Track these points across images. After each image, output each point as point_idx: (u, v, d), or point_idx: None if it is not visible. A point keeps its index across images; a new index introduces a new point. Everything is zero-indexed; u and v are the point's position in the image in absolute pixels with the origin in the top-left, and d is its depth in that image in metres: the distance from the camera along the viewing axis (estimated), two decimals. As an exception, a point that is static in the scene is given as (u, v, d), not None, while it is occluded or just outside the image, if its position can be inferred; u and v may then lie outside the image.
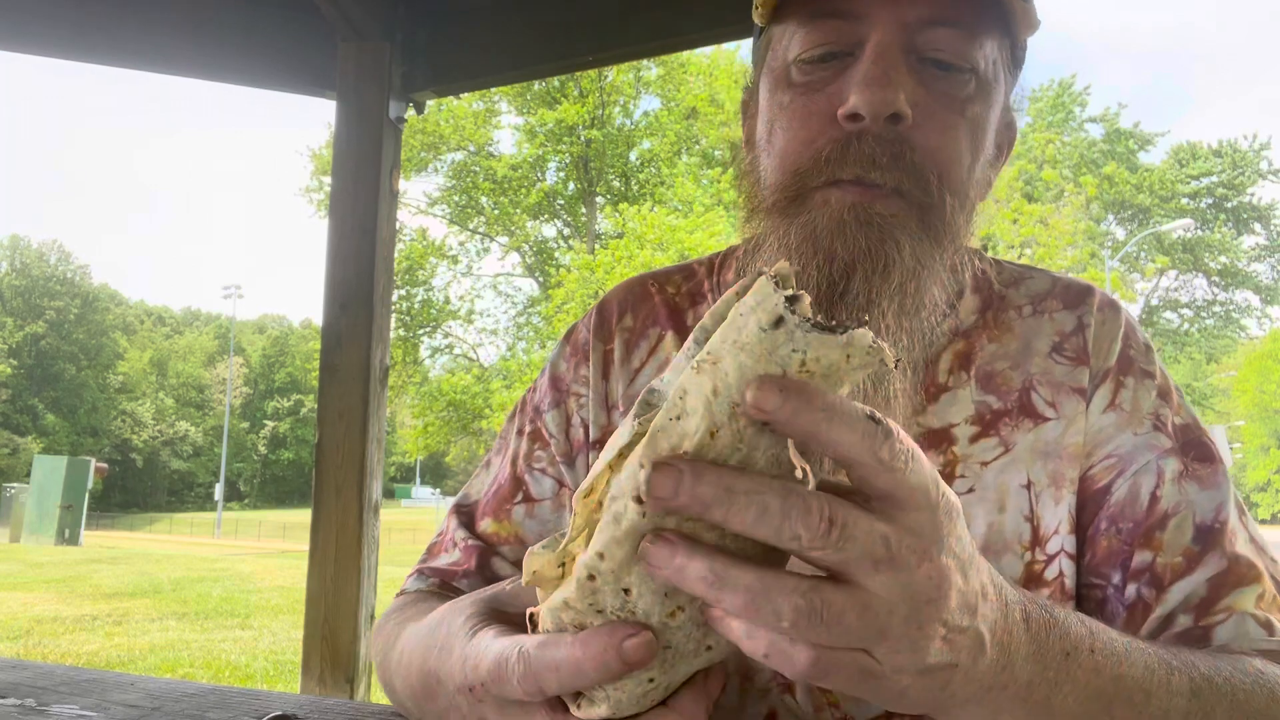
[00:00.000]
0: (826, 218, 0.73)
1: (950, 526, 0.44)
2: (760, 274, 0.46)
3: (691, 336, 0.47)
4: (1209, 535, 0.77)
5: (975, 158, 0.77)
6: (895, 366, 0.43)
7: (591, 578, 0.43)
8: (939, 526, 0.43)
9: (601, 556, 0.42)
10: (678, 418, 0.41)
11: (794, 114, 0.77)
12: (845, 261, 0.73)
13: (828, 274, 0.73)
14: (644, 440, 0.41)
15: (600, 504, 0.44)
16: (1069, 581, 0.80)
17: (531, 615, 0.51)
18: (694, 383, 0.41)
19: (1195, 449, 0.81)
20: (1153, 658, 0.59)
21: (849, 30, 0.75)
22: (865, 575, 0.42)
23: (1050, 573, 0.80)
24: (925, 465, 0.43)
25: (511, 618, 0.58)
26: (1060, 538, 0.80)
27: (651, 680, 0.46)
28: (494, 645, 0.51)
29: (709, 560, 0.41)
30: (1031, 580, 0.79)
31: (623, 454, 0.43)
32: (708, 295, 0.94)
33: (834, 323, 0.41)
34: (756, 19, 0.81)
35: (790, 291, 0.40)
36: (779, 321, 0.40)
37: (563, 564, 0.48)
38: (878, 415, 0.41)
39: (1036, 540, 0.80)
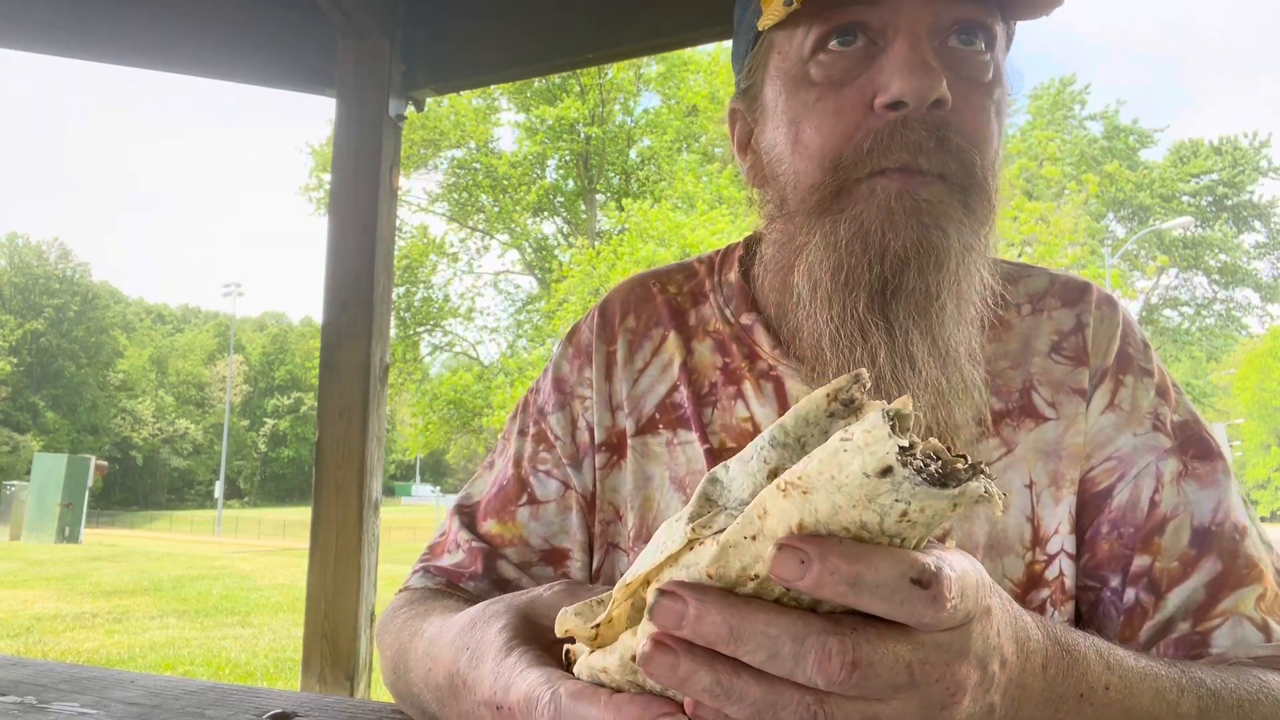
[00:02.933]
0: (874, 208, 0.72)
1: (979, 629, 0.42)
2: (858, 375, 0.43)
3: (768, 435, 0.44)
4: (1206, 538, 0.77)
5: (998, 136, 0.77)
6: (1004, 511, 0.39)
7: (635, 659, 0.42)
8: (968, 637, 0.42)
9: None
10: (753, 538, 0.38)
11: (824, 110, 0.75)
12: (898, 256, 0.72)
13: (880, 272, 0.72)
14: (715, 549, 0.39)
15: (648, 583, 0.42)
16: (1069, 581, 0.80)
17: (568, 655, 0.50)
18: (778, 507, 0.38)
19: (1195, 446, 0.81)
20: (1163, 680, 0.59)
21: (873, 17, 0.73)
22: (884, 698, 0.40)
23: (1050, 572, 0.80)
24: (971, 588, 0.41)
25: (546, 633, 0.57)
26: (1060, 538, 0.80)
27: None
28: (528, 674, 0.51)
29: (713, 673, 0.39)
30: (1032, 580, 0.79)
31: (674, 558, 0.41)
32: (709, 295, 0.94)
33: (947, 472, 0.37)
34: (762, 25, 0.79)
35: (905, 442, 0.36)
36: (887, 471, 0.36)
37: (597, 626, 0.47)
38: (927, 574, 0.38)
39: (1037, 540, 0.79)
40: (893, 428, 0.37)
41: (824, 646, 0.38)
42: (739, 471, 0.44)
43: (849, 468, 0.36)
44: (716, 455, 0.85)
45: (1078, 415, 0.82)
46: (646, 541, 0.86)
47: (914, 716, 0.41)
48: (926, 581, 0.38)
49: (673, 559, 0.41)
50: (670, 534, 0.43)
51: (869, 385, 0.44)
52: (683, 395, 0.89)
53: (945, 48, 0.74)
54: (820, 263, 0.75)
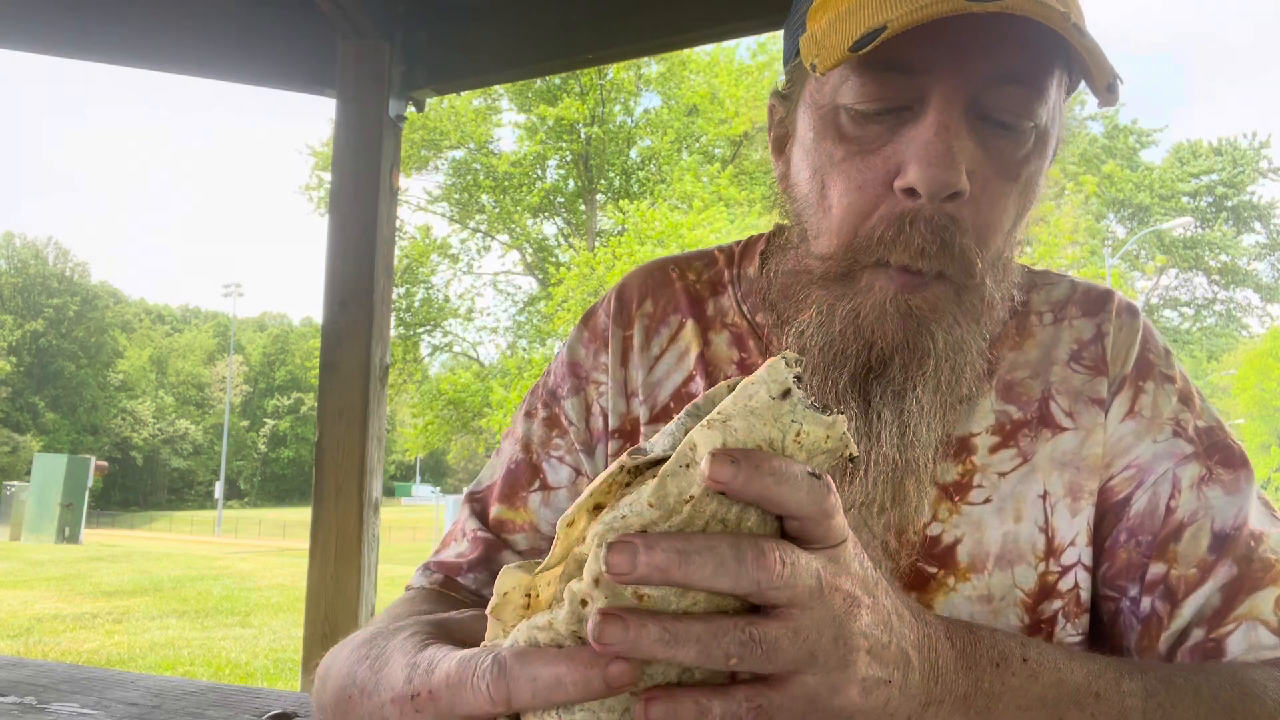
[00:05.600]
0: (870, 304, 0.73)
1: (855, 553, 0.50)
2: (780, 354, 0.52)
3: (685, 410, 0.52)
4: (1225, 543, 0.76)
5: (1021, 216, 0.76)
6: (852, 461, 0.48)
7: (584, 604, 0.45)
8: (845, 554, 0.48)
9: (596, 583, 0.45)
10: (687, 466, 0.45)
11: (847, 177, 0.73)
12: (884, 351, 0.74)
13: (866, 359, 0.75)
14: (654, 482, 0.45)
15: (584, 538, 0.46)
16: (1084, 594, 0.80)
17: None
18: (704, 436, 0.45)
19: (1219, 452, 0.80)
20: (1099, 663, 0.60)
21: (909, 85, 0.70)
22: (802, 606, 0.46)
23: (1065, 584, 0.79)
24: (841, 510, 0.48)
25: (460, 644, 0.56)
26: (1077, 549, 0.79)
27: (626, 713, 0.47)
28: (456, 653, 0.51)
29: (660, 623, 0.44)
30: (1045, 591, 0.78)
31: (614, 504, 0.46)
32: (728, 286, 0.93)
33: (825, 405, 0.47)
34: (816, 66, 0.71)
35: (797, 372, 0.46)
36: (787, 393, 0.45)
37: (528, 594, 0.50)
38: (817, 471, 0.46)
39: (1051, 551, 0.79)
40: (786, 364, 0.46)
41: (758, 547, 0.44)
42: (660, 439, 0.51)
43: (758, 395, 0.45)
44: None
45: (1096, 426, 0.81)
46: None
47: (827, 626, 0.46)
48: (819, 475, 0.46)
49: (613, 505, 0.46)
50: (602, 475, 0.48)
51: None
52: (698, 386, 0.88)
53: (982, 122, 0.71)
54: (813, 334, 0.77)
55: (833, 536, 0.47)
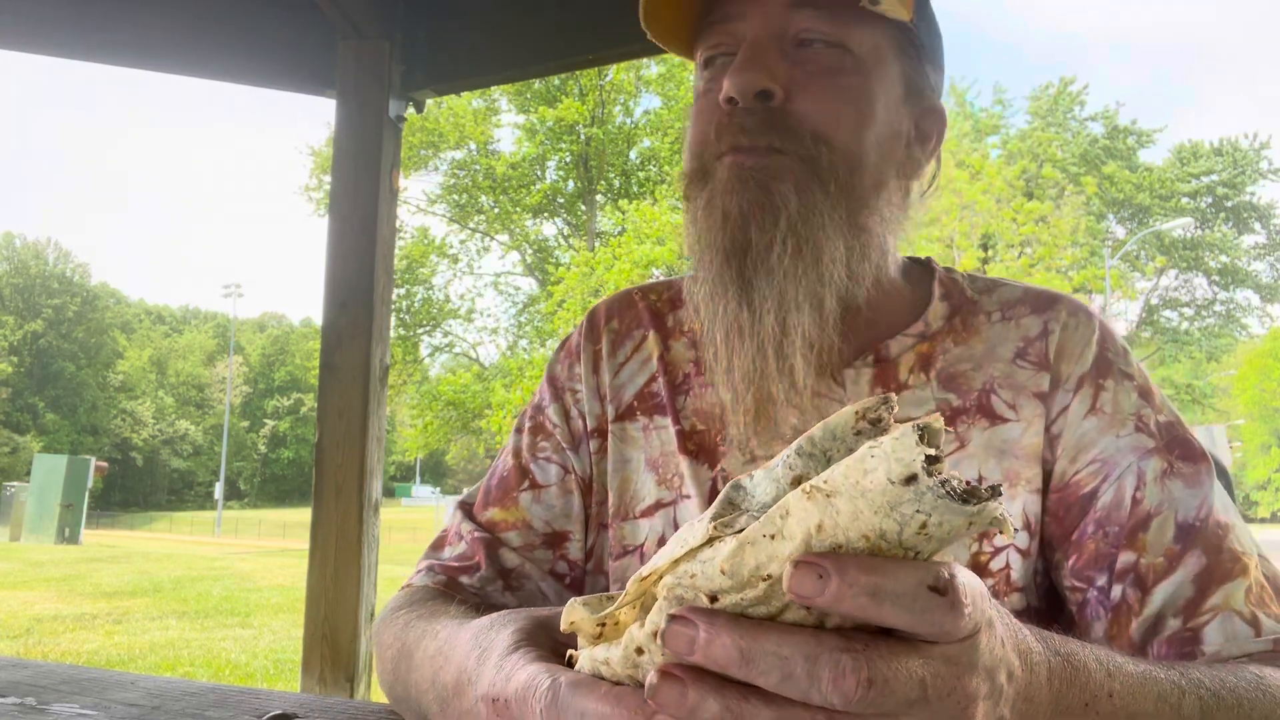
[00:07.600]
0: (717, 182, 0.83)
1: (985, 640, 0.43)
2: (887, 398, 0.44)
3: (795, 445, 0.44)
4: (1190, 533, 0.78)
5: (863, 123, 0.83)
6: (1012, 537, 0.41)
7: (640, 652, 0.43)
8: (976, 648, 0.42)
9: (655, 637, 0.42)
10: (772, 537, 0.39)
11: (697, 114, 0.89)
12: (737, 217, 0.81)
13: (730, 234, 0.81)
14: (733, 544, 0.39)
15: (660, 578, 0.43)
16: (1015, 574, 0.84)
17: (570, 658, 0.51)
18: (800, 508, 0.38)
19: (1179, 447, 0.83)
20: (1164, 684, 0.60)
21: (732, 32, 0.86)
22: (896, 714, 0.40)
23: (996, 564, 0.83)
24: (978, 597, 0.41)
25: (560, 644, 0.58)
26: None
27: None
28: (529, 667, 0.51)
29: (722, 699, 0.39)
30: (976, 570, 0.83)
31: (692, 553, 0.42)
32: (685, 300, 0.99)
33: (967, 488, 0.37)
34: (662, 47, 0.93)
35: (933, 451, 0.37)
36: (911, 479, 0.36)
37: (602, 624, 0.48)
38: (943, 582, 0.39)
39: (984, 532, 0.82)
40: (921, 438, 0.37)
41: (837, 664, 0.38)
42: (763, 478, 0.45)
43: (874, 474, 0.37)
44: (686, 435, 0.93)
45: (1035, 417, 0.85)
46: (625, 519, 0.94)
47: None
48: (944, 589, 0.39)
49: (691, 554, 0.41)
50: (692, 531, 0.43)
51: (896, 408, 0.45)
52: (660, 385, 0.97)
53: (795, 50, 0.84)
54: (690, 234, 0.87)
55: (958, 636, 0.40)
